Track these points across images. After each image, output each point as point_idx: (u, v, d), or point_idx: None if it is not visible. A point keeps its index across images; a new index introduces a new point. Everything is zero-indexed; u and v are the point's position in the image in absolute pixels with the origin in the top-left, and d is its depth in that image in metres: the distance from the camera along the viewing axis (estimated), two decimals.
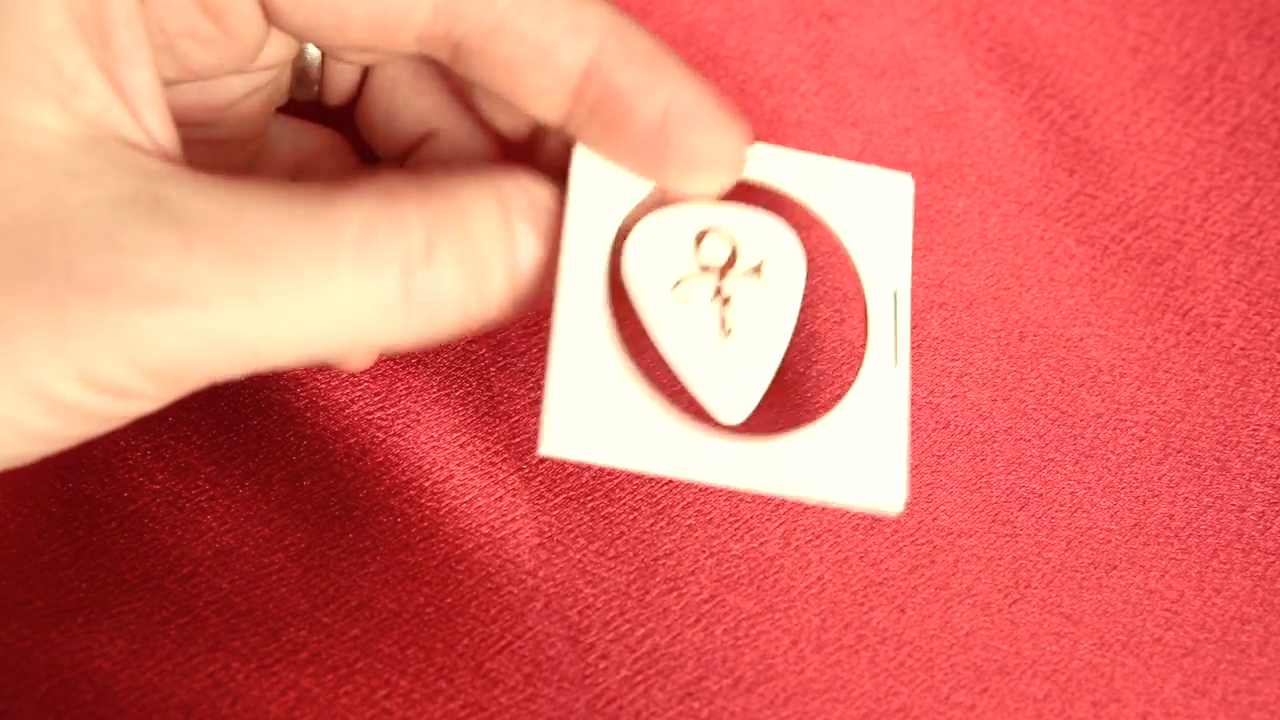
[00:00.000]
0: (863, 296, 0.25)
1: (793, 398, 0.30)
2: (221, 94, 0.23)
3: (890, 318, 0.24)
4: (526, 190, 0.21)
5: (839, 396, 0.24)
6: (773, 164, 0.24)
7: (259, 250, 0.18)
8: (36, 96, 0.18)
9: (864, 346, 0.25)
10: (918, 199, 0.31)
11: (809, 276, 0.25)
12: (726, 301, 0.25)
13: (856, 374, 0.24)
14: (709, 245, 0.25)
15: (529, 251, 0.21)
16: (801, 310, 0.25)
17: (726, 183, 0.23)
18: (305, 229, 0.18)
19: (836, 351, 0.30)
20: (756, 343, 0.25)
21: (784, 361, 0.25)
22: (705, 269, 0.25)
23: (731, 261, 0.25)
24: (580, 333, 0.23)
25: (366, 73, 0.26)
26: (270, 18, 0.21)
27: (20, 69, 0.18)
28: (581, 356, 0.23)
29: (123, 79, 0.19)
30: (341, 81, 0.26)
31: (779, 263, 0.25)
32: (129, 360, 0.17)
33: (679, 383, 0.24)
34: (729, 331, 0.25)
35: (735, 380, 0.25)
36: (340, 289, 0.18)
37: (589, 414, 0.23)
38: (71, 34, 0.18)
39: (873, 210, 0.25)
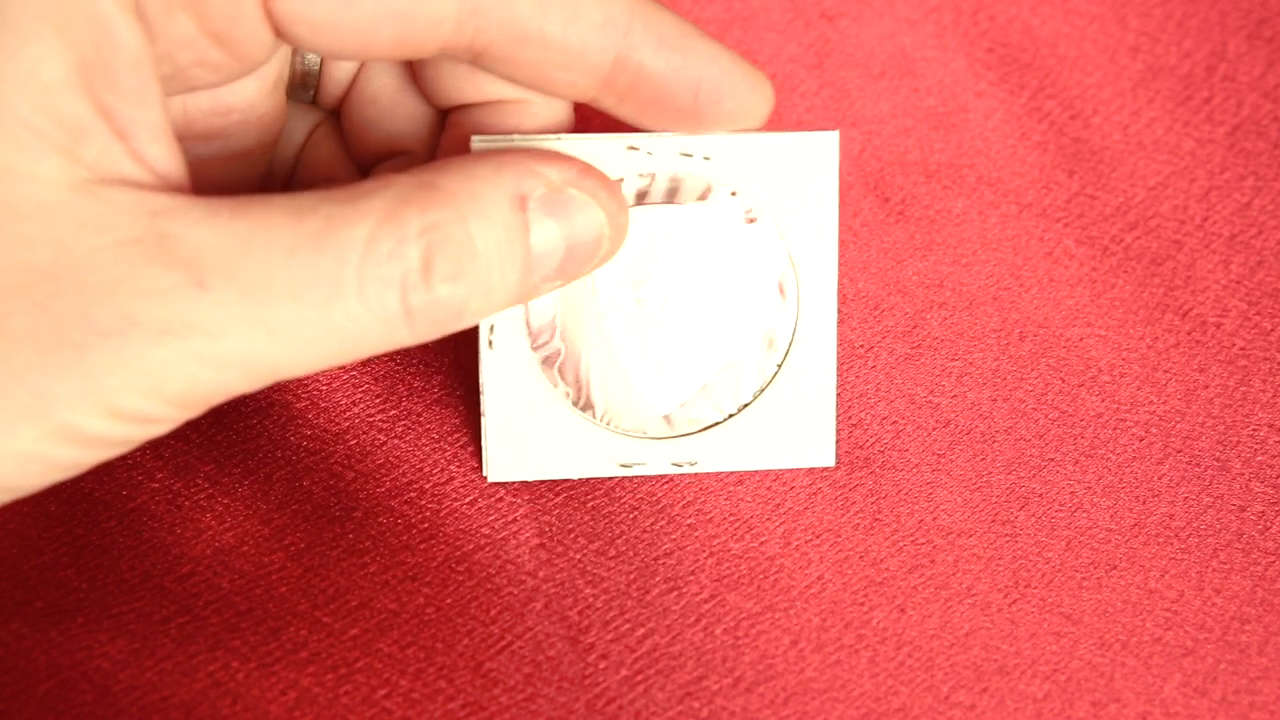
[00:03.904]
0: (793, 264, 0.25)
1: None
2: (234, 102, 0.24)
3: (820, 283, 0.25)
4: (542, 177, 0.21)
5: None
6: (698, 152, 0.25)
7: (268, 283, 0.18)
8: (40, 149, 0.18)
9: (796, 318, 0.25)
10: (918, 198, 0.31)
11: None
12: (678, 300, 0.25)
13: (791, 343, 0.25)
14: (670, 243, 0.25)
15: (548, 241, 0.21)
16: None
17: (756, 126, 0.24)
18: (311, 261, 0.19)
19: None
20: (700, 341, 0.25)
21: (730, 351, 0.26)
22: (664, 265, 0.25)
23: (691, 259, 0.25)
24: (506, 359, 0.24)
25: (354, 80, 0.26)
26: (287, 40, 0.21)
27: (22, 123, 0.18)
28: (510, 383, 0.25)
29: (127, 121, 0.19)
30: (335, 88, 0.26)
31: (737, 263, 0.25)
32: (153, 392, 0.18)
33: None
34: (674, 329, 0.25)
35: (671, 375, 0.25)
36: (347, 315, 0.19)
37: (527, 437, 0.25)
38: (73, 82, 0.18)
39: (798, 177, 0.25)
